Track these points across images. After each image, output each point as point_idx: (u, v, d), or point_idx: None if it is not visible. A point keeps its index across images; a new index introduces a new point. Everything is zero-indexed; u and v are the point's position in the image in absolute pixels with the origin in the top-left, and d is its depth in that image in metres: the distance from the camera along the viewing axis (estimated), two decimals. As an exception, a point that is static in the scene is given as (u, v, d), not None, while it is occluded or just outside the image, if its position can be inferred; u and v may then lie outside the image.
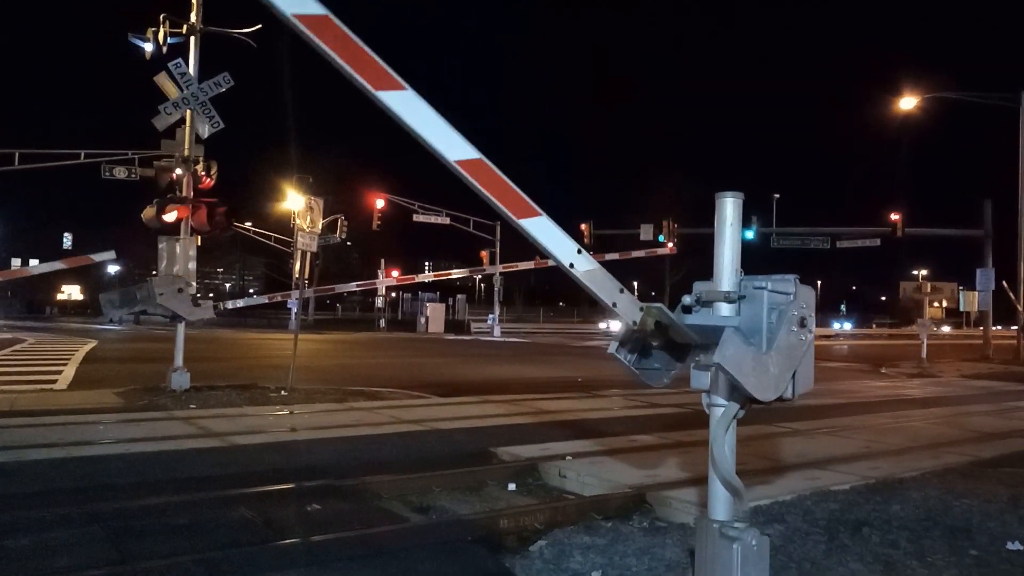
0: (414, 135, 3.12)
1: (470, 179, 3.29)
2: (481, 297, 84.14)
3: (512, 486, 6.79)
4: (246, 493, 5.72)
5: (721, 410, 3.78)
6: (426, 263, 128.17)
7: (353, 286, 37.18)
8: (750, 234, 31.72)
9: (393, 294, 61.86)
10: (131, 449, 7.48)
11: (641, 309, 3.71)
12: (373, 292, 58.94)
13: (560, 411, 11.31)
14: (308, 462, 7.14)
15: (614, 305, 3.66)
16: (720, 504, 3.85)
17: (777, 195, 34.74)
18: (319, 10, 2.96)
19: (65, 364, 17.84)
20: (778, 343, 3.63)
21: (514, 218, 3.48)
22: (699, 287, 3.98)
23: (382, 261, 58.15)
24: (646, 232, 33.61)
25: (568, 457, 7.50)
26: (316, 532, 4.89)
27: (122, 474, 6.54)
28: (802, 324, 3.71)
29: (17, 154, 28.90)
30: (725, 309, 3.81)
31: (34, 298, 58.56)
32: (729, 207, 3.89)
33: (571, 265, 3.60)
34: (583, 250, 3.66)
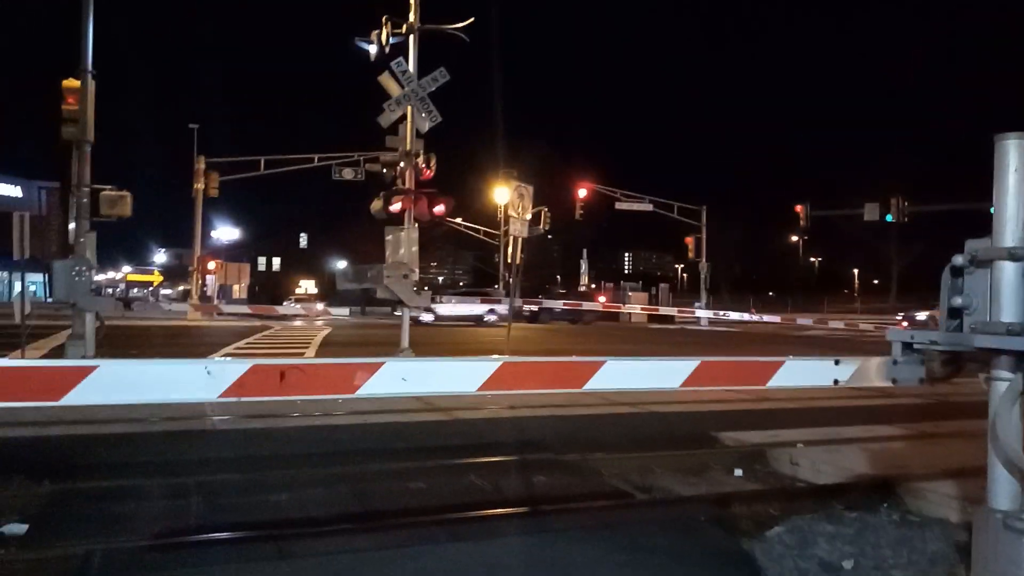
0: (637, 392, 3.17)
1: (705, 389, 3.28)
2: (684, 287, 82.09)
3: (739, 471, 6.47)
4: (474, 463, 5.91)
5: (1006, 384, 3.28)
6: (625, 254, 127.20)
7: (560, 305, 37.88)
8: (997, 210, 28.02)
9: (593, 285, 62.04)
10: (366, 420, 8.02)
11: (922, 362, 3.45)
12: (576, 281, 59.52)
13: (784, 398, 10.66)
14: (528, 437, 7.26)
15: (895, 381, 3.47)
16: (1003, 491, 3.35)
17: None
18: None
19: (306, 347, 19.71)
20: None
21: (764, 386, 3.42)
22: (973, 245, 3.49)
23: (584, 251, 58.52)
24: (870, 212, 30.64)
25: (799, 444, 7.01)
26: (544, 503, 4.94)
27: (359, 441, 7.02)
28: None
29: (262, 160, 32.45)
30: (1009, 271, 3.31)
31: (276, 292, 65.50)
32: (1012, 150, 3.37)
33: (836, 381, 3.47)
34: (838, 360, 3.52)
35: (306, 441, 7.00)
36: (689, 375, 2.96)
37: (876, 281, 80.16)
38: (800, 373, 3.25)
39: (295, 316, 35.15)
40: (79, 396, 2.32)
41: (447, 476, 5.57)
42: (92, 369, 2.32)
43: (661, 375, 2.97)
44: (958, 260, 3.51)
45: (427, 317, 33.42)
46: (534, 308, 38.01)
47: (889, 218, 30.76)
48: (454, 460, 6.01)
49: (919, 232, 48.78)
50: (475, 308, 35.85)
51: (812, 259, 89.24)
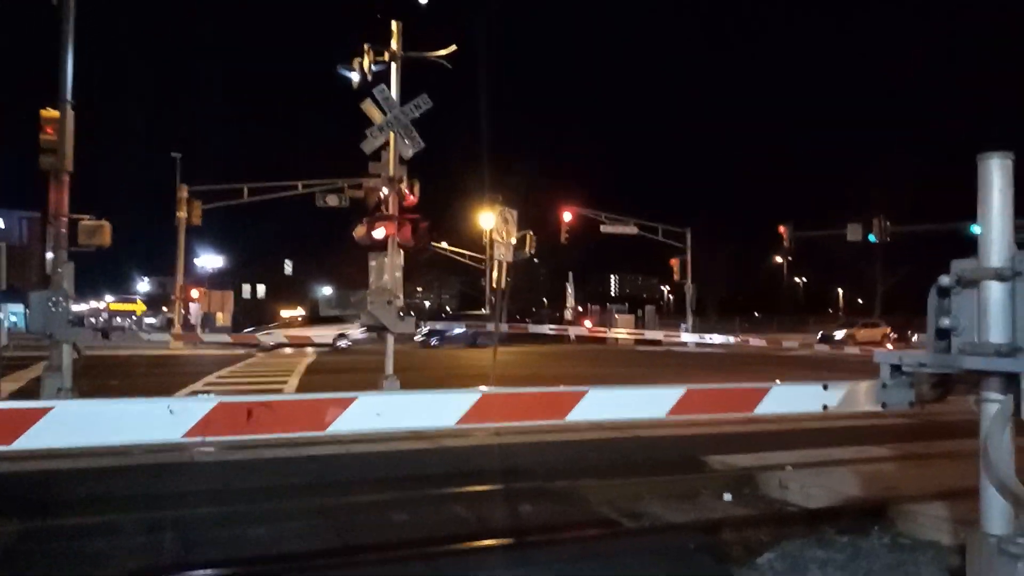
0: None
1: (692, 416, 3.22)
2: (670, 308, 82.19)
3: (728, 496, 6.38)
4: (459, 492, 5.79)
5: (996, 406, 3.23)
6: (611, 276, 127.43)
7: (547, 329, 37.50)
8: (978, 229, 28.19)
9: (580, 308, 62.03)
10: (351, 449, 7.86)
11: (911, 385, 3.41)
12: (562, 304, 59.49)
13: (771, 420, 10.59)
14: (513, 464, 7.14)
15: (884, 405, 3.42)
16: (996, 515, 3.29)
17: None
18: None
19: (289, 375, 19.49)
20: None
21: (750, 413, 3.39)
22: (959, 265, 3.46)
23: (570, 274, 58.55)
24: (853, 232, 30.85)
25: (788, 467, 6.94)
26: (530, 533, 4.82)
27: (342, 472, 6.88)
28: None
29: (246, 188, 32.35)
30: (996, 291, 3.28)
31: (261, 319, 64.94)
32: (995, 170, 3.35)
33: (825, 407, 3.43)
34: (826, 385, 3.48)
35: (288, 473, 6.85)
36: (675, 403, 2.88)
37: (861, 301, 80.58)
38: (788, 399, 3.18)
39: (279, 346, 34.78)
40: (32, 440, 2.20)
41: (431, 507, 5.45)
42: (47, 411, 2.21)
43: (646, 404, 2.89)
44: (944, 280, 3.47)
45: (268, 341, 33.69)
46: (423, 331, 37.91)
47: (872, 238, 30.98)
48: (438, 490, 5.89)
49: (903, 252, 49.12)
50: (326, 333, 35.43)
51: (796, 280, 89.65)
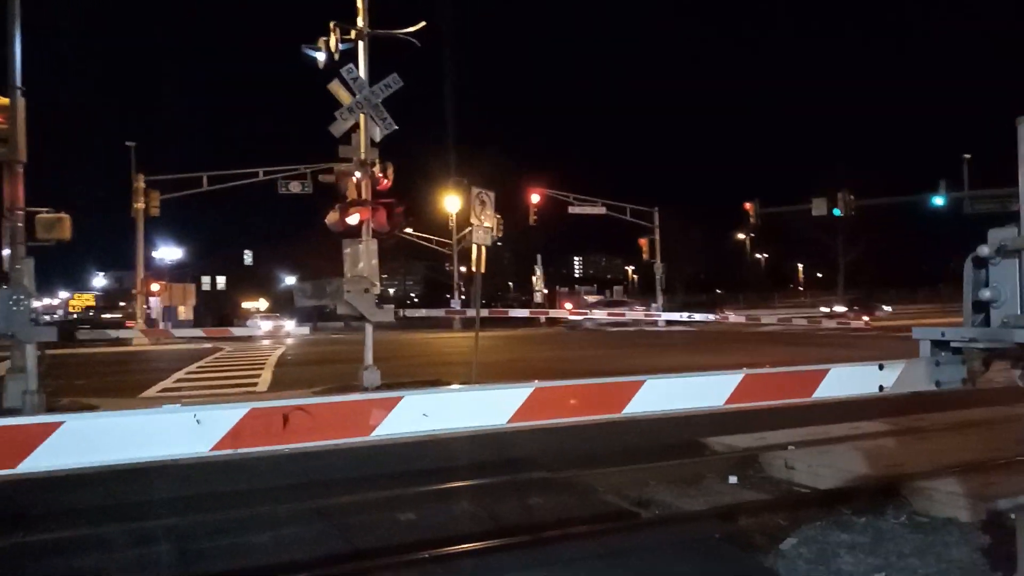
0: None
1: (746, 404, 3.04)
2: (636, 287, 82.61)
3: (733, 479, 6.28)
4: (466, 487, 5.60)
5: (1048, 381, 3.11)
6: (575, 258, 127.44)
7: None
8: (939, 200, 28.72)
9: (545, 289, 61.93)
10: (340, 445, 7.58)
11: (963, 362, 3.28)
12: (529, 287, 59.29)
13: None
14: (515, 454, 6.95)
15: (938, 384, 3.28)
16: (1048, 496, 3.19)
17: (968, 155, 31.16)
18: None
19: (262, 368, 19.03)
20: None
21: (809, 398, 3.24)
22: (998, 235, 3.33)
23: (539, 257, 58.38)
24: (818, 207, 31.13)
25: (791, 447, 6.86)
26: (545, 528, 4.64)
27: (339, 469, 6.60)
28: None
29: (205, 177, 31.50)
30: (1039, 259, 3.14)
31: (223, 311, 63.47)
32: (1038, 136, 3.21)
33: (881, 388, 3.27)
34: (882, 365, 3.33)
35: (284, 471, 6.55)
36: (733, 391, 2.70)
37: (820, 275, 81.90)
38: (846, 381, 3.03)
39: (248, 337, 34.03)
40: (40, 461, 1.92)
41: (438, 503, 5.24)
42: (56, 426, 1.94)
43: (704, 392, 2.70)
44: (983, 251, 3.33)
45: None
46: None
47: (837, 212, 31.32)
48: (443, 484, 5.68)
49: (863, 225, 49.80)
50: None
51: (758, 255, 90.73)
